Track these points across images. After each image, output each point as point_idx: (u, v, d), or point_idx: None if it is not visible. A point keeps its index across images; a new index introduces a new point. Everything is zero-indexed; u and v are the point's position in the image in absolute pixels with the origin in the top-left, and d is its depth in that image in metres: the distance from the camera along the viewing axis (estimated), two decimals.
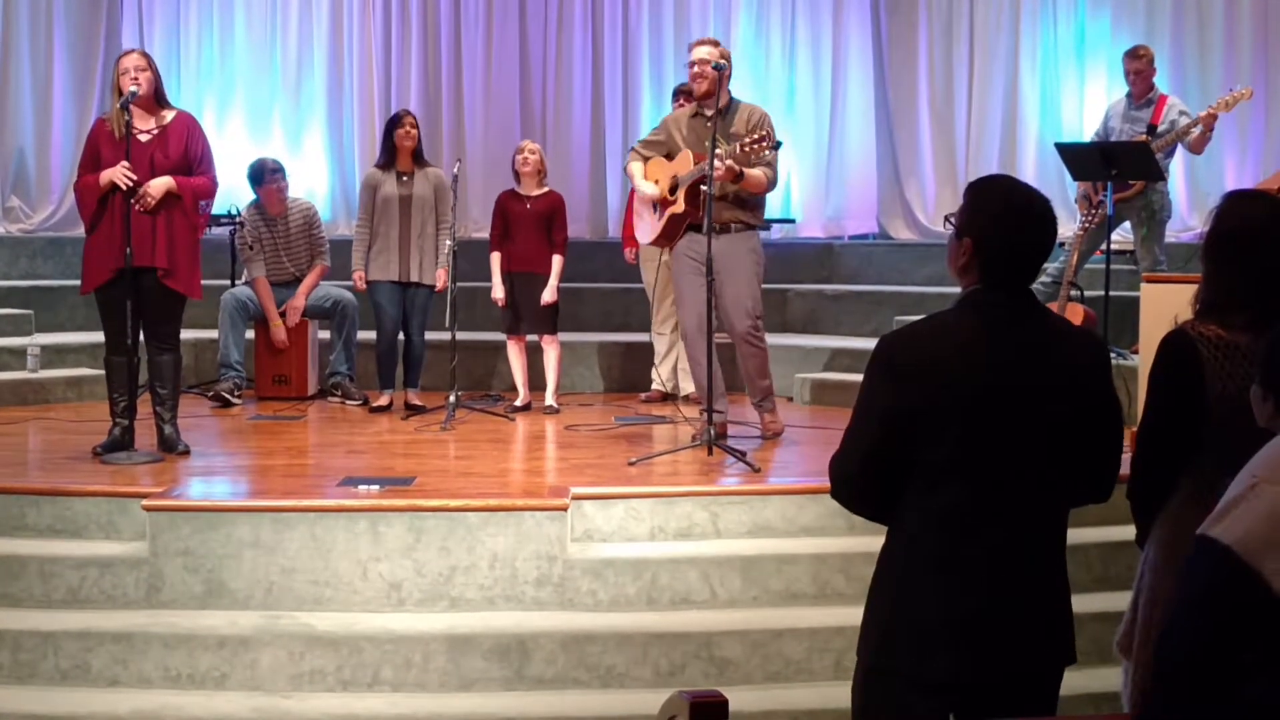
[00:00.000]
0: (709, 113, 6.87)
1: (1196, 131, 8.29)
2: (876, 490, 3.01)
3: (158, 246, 6.39)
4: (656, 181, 7.07)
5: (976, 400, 2.90)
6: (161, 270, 6.41)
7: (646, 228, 7.22)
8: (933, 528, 2.94)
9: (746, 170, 6.75)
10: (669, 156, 7.06)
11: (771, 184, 6.97)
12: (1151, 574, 3.40)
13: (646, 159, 7.17)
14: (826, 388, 8.65)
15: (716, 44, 7.10)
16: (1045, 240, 3.00)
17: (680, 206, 6.87)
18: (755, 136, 6.67)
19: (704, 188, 6.63)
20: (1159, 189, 8.47)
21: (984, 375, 2.91)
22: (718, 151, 6.64)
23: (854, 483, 3.03)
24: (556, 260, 8.24)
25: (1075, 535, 5.63)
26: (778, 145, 6.82)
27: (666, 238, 7.08)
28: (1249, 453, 3.11)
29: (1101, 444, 3.06)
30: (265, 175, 8.79)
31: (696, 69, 6.92)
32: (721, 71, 6.81)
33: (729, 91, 6.98)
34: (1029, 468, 2.94)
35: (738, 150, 6.67)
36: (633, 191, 8.96)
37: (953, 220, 3.05)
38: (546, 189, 8.40)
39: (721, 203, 6.84)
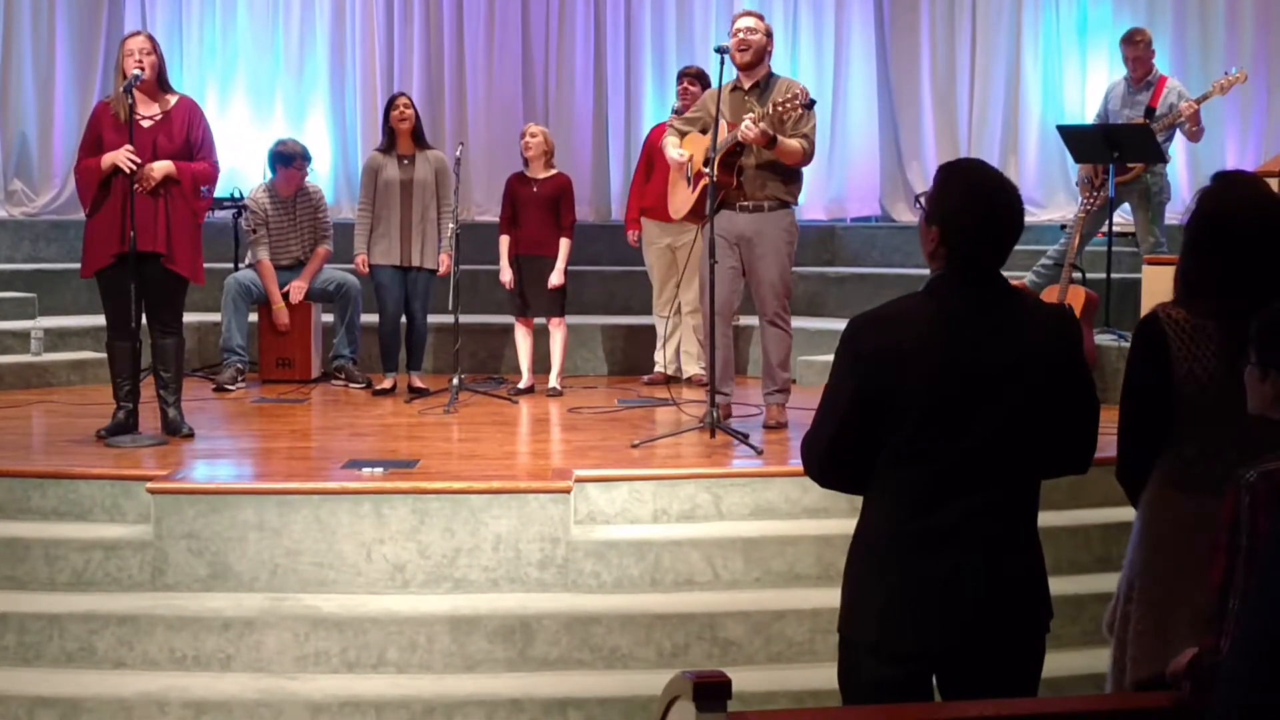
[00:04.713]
0: (747, 85, 6.86)
1: (1187, 122, 8.29)
2: (846, 468, 3.13)
3: (159, 232, 6.39)
4: (691, 156, 7.02)
5: (939, 382, 2.96)
6: (164, 255, 6.41)
7: (681, 201, 7.15)
8: (899, 504, 3.03)
9: (781, 137, 6.70)
10: (704, 132, 7.01)
11: (808, 155, 6.86)
12: (1133, 552, 3.44)
13: (683, 134, 7.12)
14: None
15: (761, 18, 7.06)
16: (1011, 227, 3.04)
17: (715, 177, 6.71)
18: (787, 97, 6.64)
19: (708, 167, 6.60)
20: (1157, 171, 8.46)
21: (947, 357, 2.97)
22: (750, 115, 6.62)
23: (823, 461, 3.15)
24: (564, 243, 8.18)
25: (1076, 516, 5.73)
26: (811, 103, 6.73)
27: (698, 212, 6.97)
28: (1218, 434, 3.16)
29: (1073, 418, 3.11)
30: (295, 160, 8.77)
31: (741, 37, 6.84)
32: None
33: (769, 66, 6.97)
34: (995, 445, 2.99)
35: (770, 111, 6.63)
36: (637, 174, 8.99)
37: (923, 203, 3.09)
38: (554, 171, 8.36)
39: (759, 174, 6.79)
